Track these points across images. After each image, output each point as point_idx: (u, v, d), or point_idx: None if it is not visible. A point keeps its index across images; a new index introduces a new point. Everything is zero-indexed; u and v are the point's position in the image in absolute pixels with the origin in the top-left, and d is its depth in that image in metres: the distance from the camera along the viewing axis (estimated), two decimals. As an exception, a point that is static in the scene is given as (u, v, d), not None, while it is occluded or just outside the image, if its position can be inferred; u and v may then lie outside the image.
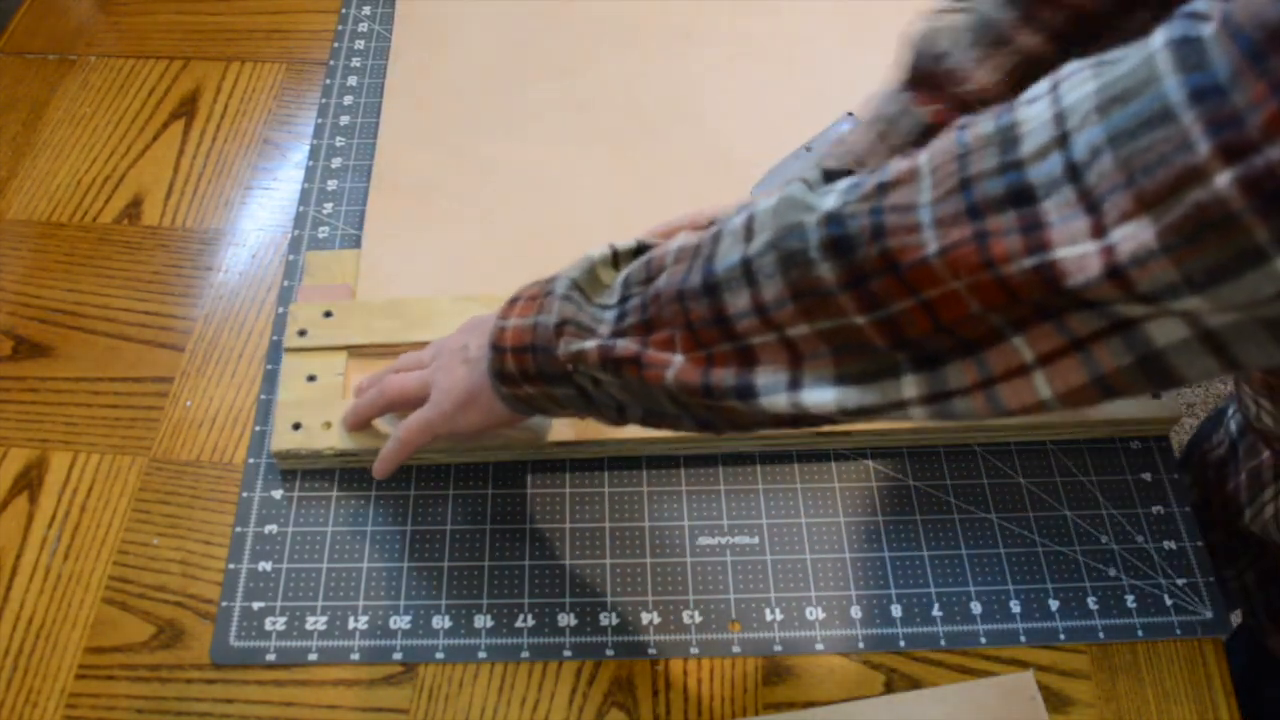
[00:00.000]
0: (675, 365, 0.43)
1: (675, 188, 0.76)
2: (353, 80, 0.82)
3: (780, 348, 0.40)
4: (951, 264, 0.34)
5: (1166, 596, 0.59)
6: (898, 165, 0.36)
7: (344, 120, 0.79)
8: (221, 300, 0.70)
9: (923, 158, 0.36)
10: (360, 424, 0.60)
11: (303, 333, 0.65)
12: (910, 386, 0.38)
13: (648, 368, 0.43)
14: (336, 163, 0.77)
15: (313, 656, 0.56)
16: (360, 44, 0.85)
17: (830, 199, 0.38)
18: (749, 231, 0.40)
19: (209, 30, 0.87)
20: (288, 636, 0.56)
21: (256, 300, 0.70)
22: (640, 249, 0.49)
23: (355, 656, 0.56)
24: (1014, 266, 0.32)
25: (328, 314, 0.66)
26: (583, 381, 0.47)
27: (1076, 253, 0.31)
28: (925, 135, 0.57)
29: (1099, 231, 0.31)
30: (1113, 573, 0.59)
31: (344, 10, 0.88)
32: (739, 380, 0.41)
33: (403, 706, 0.55)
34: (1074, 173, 0.31)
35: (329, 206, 0.74)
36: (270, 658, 0.56)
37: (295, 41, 0.86)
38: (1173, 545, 0.60)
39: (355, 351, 0.65)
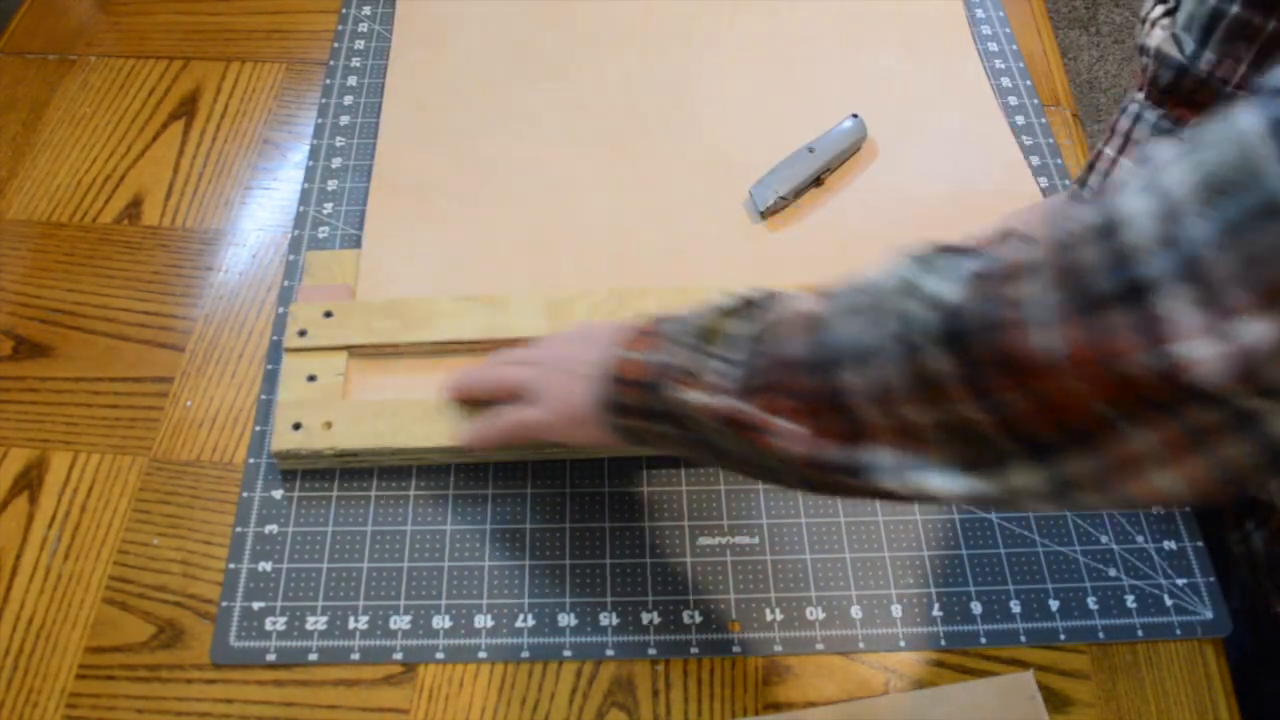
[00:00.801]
0: (791, 435, 0.43)
1: (675, 188, 0.76)
2: (353, 80, 0.82)
3: (894, 428, 0.41)
4: (1068, 363, 0.34)
5: (1166, 596, 0.59)
6: (1008, 253, 0.37)
7: (344, 120, 0.79)
8: (221, 300, 0.70)
9: (1029, 247, 0.36)
10: (462, 395, 0.61)
11: (303, 333, 0.65)
12: (1026, 476, 0.38)
13: (763, 433, 0.44)
14: (336, 163, 0.77)
15: (313, 656, 0.56)
16: (360, 44, 0.85)
17: (944, 286, 0.38)
18: (866, 310, 0.41)
19: (209, 30, 0.87)
20: (288, 636, 0.56)
21: (256, 300, 0.70)
22: (760, 301, 0.49)
23: (355, 656, 0.56)
24: (1132, 365, 0.33)
25: (328, 314, 0.66)
26: (693, 428, 0.48)
27: (1195, 349, 0.31)
28: None
29: (1217, 327, 0.31)
30: (1113, 573, 0.59)
31: (344, 10, 0.88)
32: (852, 458, 0.42)
33: (403, 706, 0.55)
34: (1185, 266, 0.31)
35: (329, 206, 0.74)
36: (270, 658, 0.56)
37: (295, 41, 0.86)
38: (1173, 545, 0.60)
39: (355, 351, 0.65)
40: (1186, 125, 0.59)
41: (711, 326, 0.48)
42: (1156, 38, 0.59)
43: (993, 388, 0.36)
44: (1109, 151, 0.63)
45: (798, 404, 0.43)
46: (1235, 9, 0.54)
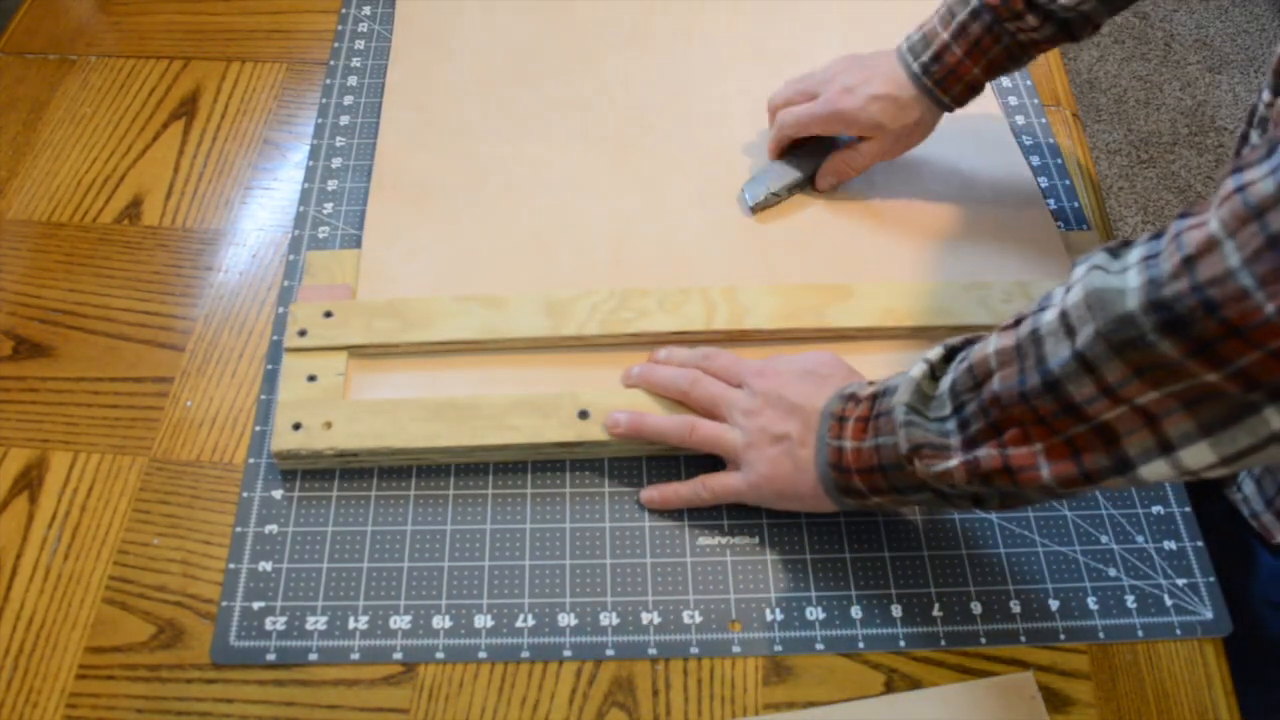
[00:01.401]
0: (1044, 464, 0.46)
1: (675, 188, 0.76)
2: (353, 80, 0.82)
3: (1134, 415, 0.42)
4: None
5: (1166, 596, 0.59)
6: (1193, 235, 0.39)
7: (344, 120, 0.79)
8: (221, 300, 0.70)
9: (1214, 225, 0.38)
10: (650, 388, 0.63)
11: (303, 333, 0.65)
12: (1277, 418, 0.40)
13: (1019, 472, 0.46)
14: (336, 163, 0.77)
15: (313, 656, 0.56)
16: (360, 44, 0.85)
17: (1135, 278, 0.40)
18: (1069, 328, 0.43)
19: (209, 30, 0.87)
20: (288, 636, 0.56)
21: (256, 300, 0.70)
22: (948, 354, 0.51)
23: (355, 656, 0.56)
24: None
25: (328, 314, 0.66)
26: (940, 487, 0.50)
27: None
28: None
29: None
30: (1113, 573, 0.59)
31: (344, 10, 0.88)
32: (1113, 458, 0.44)
33: (403, 706, 0.55)
34: None
35: (329, 206, 0.74)
36: (270, 658, 0.56)
37: (295, 41, 0.86)
38: (1173, 545, 0.60)
39: (355, 351, 0.65)
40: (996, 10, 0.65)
41: (918, 398, 0.50)
42: None
43: (1227, 355, 0.38)
44: (944, 34, 0.68)
45: (1038, 427, 0.45)
46: None
